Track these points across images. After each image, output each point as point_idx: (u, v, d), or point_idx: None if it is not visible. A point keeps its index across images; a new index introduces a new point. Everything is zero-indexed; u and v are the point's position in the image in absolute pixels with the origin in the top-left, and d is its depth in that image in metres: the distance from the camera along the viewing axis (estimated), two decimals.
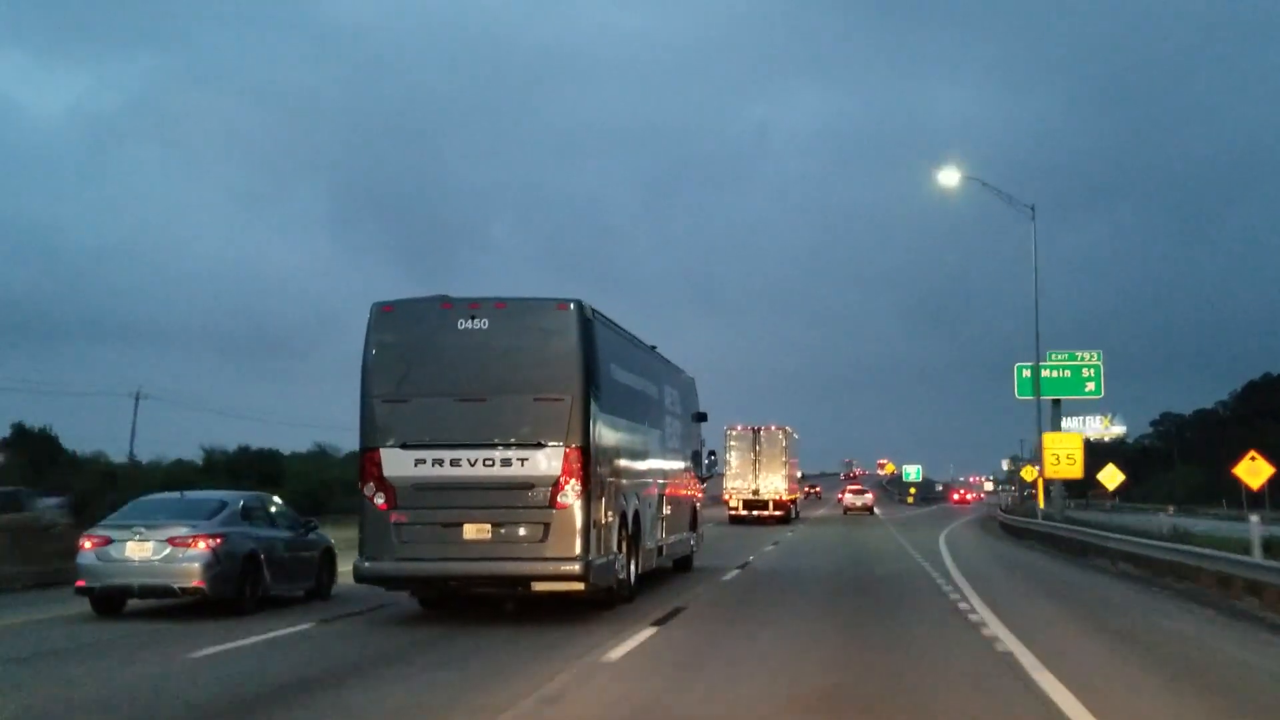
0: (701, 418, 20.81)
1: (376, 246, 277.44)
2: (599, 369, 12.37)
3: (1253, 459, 26.98)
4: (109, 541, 12.48)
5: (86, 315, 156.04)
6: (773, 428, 43.28)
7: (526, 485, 11.65)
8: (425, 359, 12.15)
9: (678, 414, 18.22)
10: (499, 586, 12.37)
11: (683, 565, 18.81)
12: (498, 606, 13.11)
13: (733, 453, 42.18)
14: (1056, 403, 34.21)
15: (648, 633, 10.85)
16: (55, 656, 9.99)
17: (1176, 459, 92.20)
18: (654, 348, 17.05)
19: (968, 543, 32.04)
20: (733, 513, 42.35)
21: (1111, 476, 36.02)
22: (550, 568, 11.63)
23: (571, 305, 12.08)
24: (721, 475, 41.00)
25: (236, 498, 13.95)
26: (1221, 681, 8.87)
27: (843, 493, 73.52)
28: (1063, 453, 32.04)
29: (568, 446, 11.66)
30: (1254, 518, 15.42)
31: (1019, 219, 30.77)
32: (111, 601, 12.75)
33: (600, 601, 12.64)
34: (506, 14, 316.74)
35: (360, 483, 12.00)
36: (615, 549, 12.81)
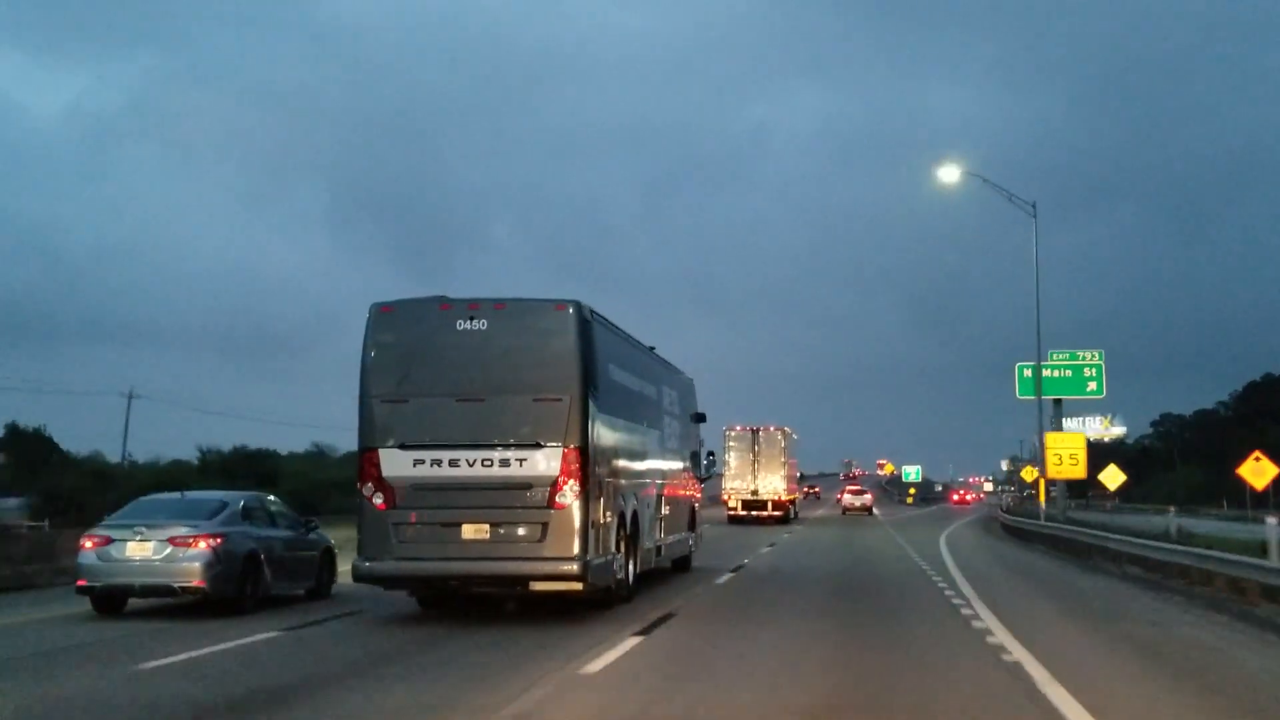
0: (700, 418, 20.91)
1: (376, 246, 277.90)
2: (597, 369, 12.45)
3: (1257, 459, 26.95)
4: (110, 541, 12.61)
5: (85, 315, 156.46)
6: (771, 428, 43.41)
7: (525, 485, 11.74)
8: (424, 359, 12.24)
9: (676, 414, 18.31)
10: (497, 586, 12.46)
11: (681, 565, 18.90)
12: (494, 606, 13.21)
13: (731, 453, 42.31)
14: (1058, 402, 33.97)
15: (633, 641, 10.41)
16: (56, 655, 10.08)
17: (1177, 460, 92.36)
18: (652, 348, 17.16)
19: (969, 544, 31.52)
20: (731, 513, 42.46)
21: (1113, 477, 35.82)
22: (548, 568, 11.72)
23: (570, 306, 12.17)
24: (720, 476, 41.12)
25: (237, 498, 14.08)
26: (1251, 699, 8.25)
27: (841, 493, 73.74)
28: (1065, 453, 31.77)
29: (566, 447, 11.75)
30: (1271, 519, 14.70)
31: (1019, 218, 30.85)
32: (112, 601, 12.88)
33: (598, 601, 12.73)
34: (506, 13, 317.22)
35: (359, 483, 12.09)
36: (613, 549, 12.90)
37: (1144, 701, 7.99)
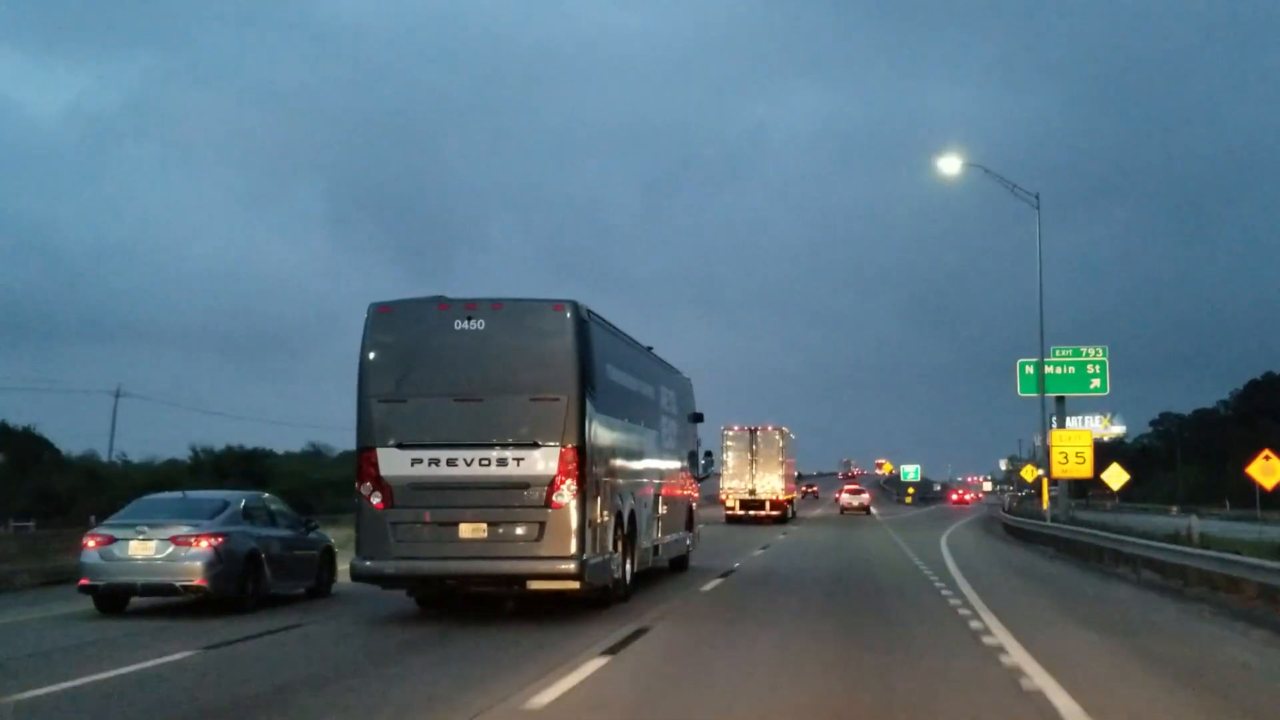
0: (698, 418, 21.10)
1: (375, 246, 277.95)
2: (595, 369, 12.63)
3: (1267, 458, 26.57)
4: (112, 540, 12.84)
5: (84, 315, 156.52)
6: (769, 428, 43.64)
7: (522, 485, 11.91)
8: (422, 359, 12.42)
9: (674, 414, 18.50)
10: (495, 585, 12.64)
11: (679, 565, 19.09)
12: (488, 605, 13.36)
13: (729, 453, 42.56)
14: (1060, 400, 33.29)
15: (597, 664, 9.19)
16: (59, 654, 10.26)
17: (1179, 459, 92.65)
18: (650, 348, 17.35)
19: (972, 547, 30.53)
20: (729, 513, 42.69)
21: (1116, 476, 35.19)
22: (546, 567, 11.89)
23: (567, 306, 12.34)
24: (718, 475, 41.34)
25: (238, 497, 14.32)
26: None
27: (840, 493, 74.17)
28: (1071, 451, 31.10)
29: (563, 446, 11.92)
30: None
31: (1019, 216, 31.29)
32: (115, 599, 13.09)
33: (595, 600, 12.91)
34: (506, 13, 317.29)
35: (357, 482, 12.27)
36: (611, 548, 13.08)
37: None
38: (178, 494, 15.00)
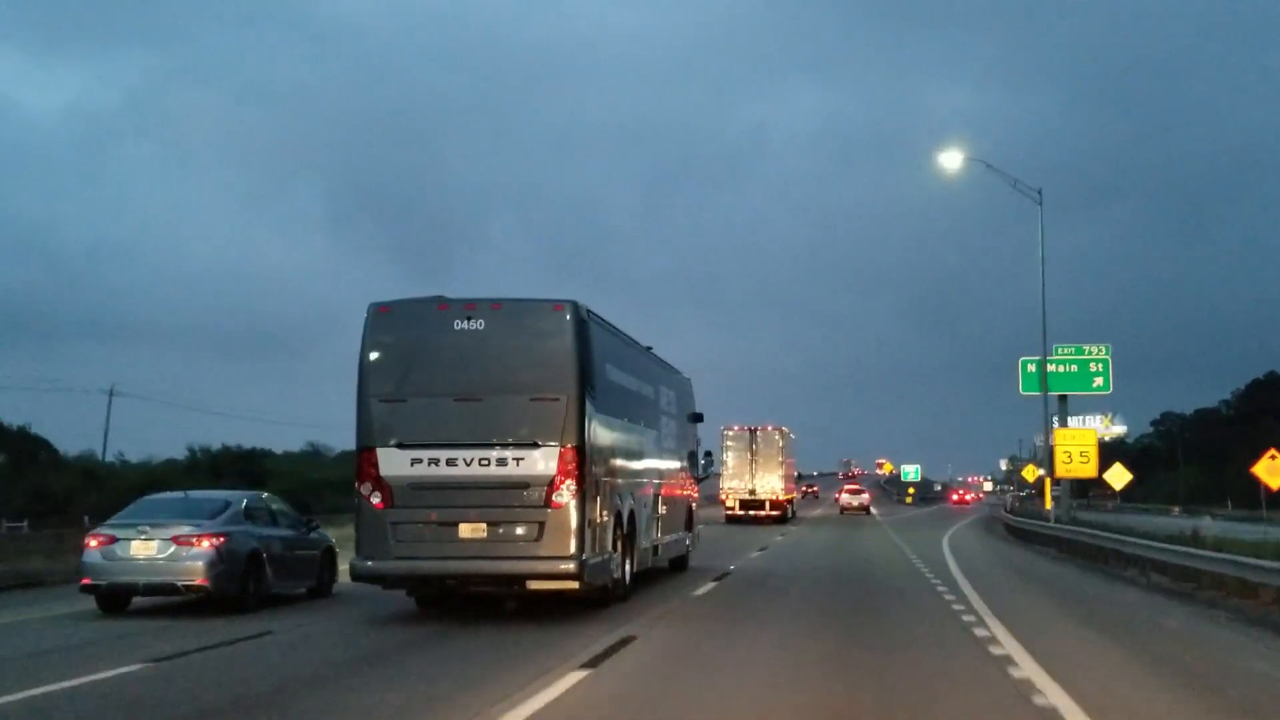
0: (697, 418, 21.19)
1: (375, 246, 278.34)
2: (594, 369, 12.72)
3: (1273, 457, 26.15)
4: (114, 540, 12.97)
5: (83, 314, 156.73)
6: (769, 428, 43.77)
7: (522, 485, 12.00)
8: (422, 359, 12.51)
9: (673, 414, 18.59)
10: (495, 585, 12.73)
11: (678, 565, 19.18)
12: (486, 605, 13.44)
13: (729, 453, 42.69)
14: (1063, 399, 32.81)
15: (575, 678, 8.56)
16: (61, 652, 10.37)
17: (1180, 459, 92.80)
18: (650, 348, 17.44)
19: (975, 549, 29.87)
20: (729, 512, 42.83)
21: (1119, 476, 34.92)
22: (545, 567, 11.98)
23: (567, 306, 12.43)
24: (718, 475, 41.45)
25: (240, 497, 14.44)
26: None
27: (840, 493, 74.50)
28: (1076, 450, 30.57)
29: (563, 446, 12.01)
30: None
31: (1020, 214, 31.58)
32: (117, 599, 13.23)
33: (595, 600, 12.99)
34: (505, 13, 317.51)
35: (357, 482, 12.36)
36: (610, 548, 13.17)
37: None
38: (179, 494, 15.13)
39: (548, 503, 11.95)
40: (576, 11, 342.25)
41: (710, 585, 16.78)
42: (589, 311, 12.90)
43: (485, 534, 11.96)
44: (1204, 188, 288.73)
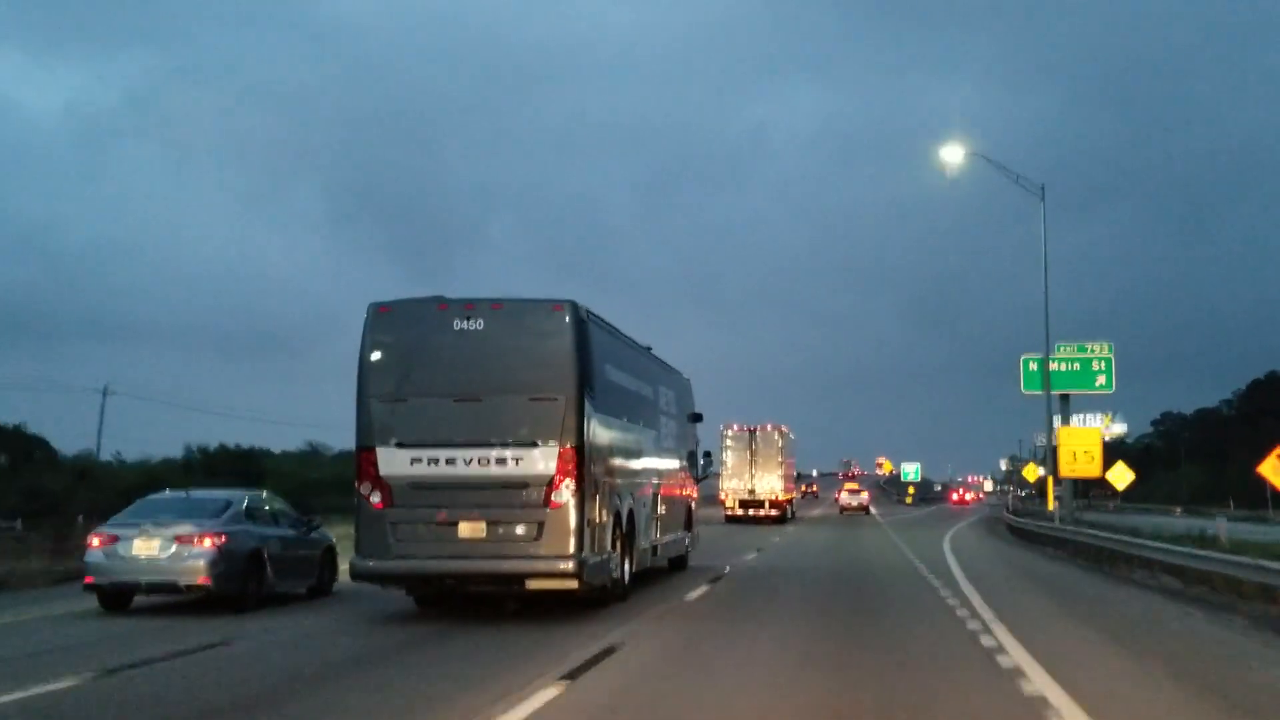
0: (697, 418, 21.30)
1: (374, 246, 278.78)
2: (593, 369, 12.82)
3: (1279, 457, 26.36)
4: (117, 539, 13.13)
5: (83, 313, 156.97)
6: (769, 428, 43.92)
7: (521, 484, 12.10)
8: (421, 359, 12.61)
9: (673, 414, 18.69)
10: (494, 585, 12.83)
11: (678, 565, 19.29)
12: (484, 605, 13.53)
13: (729, 453, 42.86)
14: (1065, 397, 32.42)
15: (551, 693, 8.07)
16: (63, 651, 10.47)
17: (1182, 458, 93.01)
18: (649, 348, 17.54)
19: (977, 550, 29.30)
20: (729, 512, 42.98)
21: (1121, 476, 34.51)
22: (544, 566, 12.09)
23: (566, 306, 12.54)
24: (717, 475, 41.59)
25: (241, 497, 14.57)
26: None
27: (839, 492, 74.90)
28: (1080, 449, 30.13)
29: (562, 446, 12.11)
30: None
31: (1021, 213, 31.37)
32: (119, 597, 13.38)
33: (595, 600, 13.10)
34: (505, 12, 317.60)
35: (357, 481, 12.46)
36: (610, 548, 13.27)
37: None
38: (181, 493, 15.28)
39: (547, 502, 12.05)
40: (576, 11, 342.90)
41: (702, 589, 16.04)
42: (588, 312, 13.00)
43: (484, 533, 12.06)
44: (1204, 188, 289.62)
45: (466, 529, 12.08)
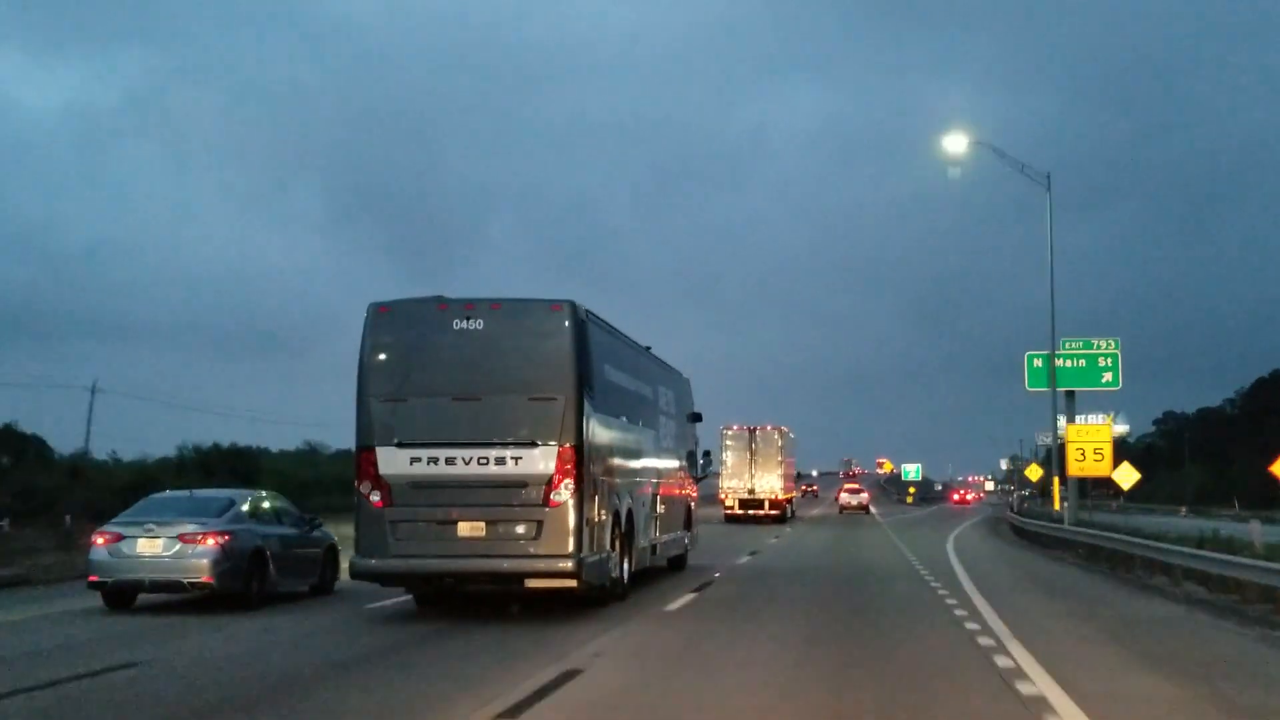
0: (696, 418, 21.49)
1: (374, 245, 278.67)
2: (592, 369, 12.99)
3: None
4: (121, 538, 13.38)
5: (82, 313, 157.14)
6: (768, 427, 44.16)
7: (521, 484, 12.28)
8: (421, 359, 12.79)
9: (672, 414, 18.87)
10: (493, 583, 13.03)
11: (677, 564, 19.47)
12: (486, 603, 13.72)
13: (729, 452, 43.09)
14: (1070, 395, 31.86)
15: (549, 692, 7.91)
16: (65, 650, 10.65)
17: (1186, 458, 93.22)
18: (648, 348, 17.73)
19: (982, 553, 28.18)
20: (729, 512, 43.20)
21: (1127, 475, 33.56)
22: (543, 565, 12.27)
23: (565, 306, 12.72)
24: (717, 475, 41.80)
25: (244, 496, 14.87)
26: None
27: (839, 492, 75.38)
28: (1089, 447, 29.36)
29: (561, 445, 12.29)
30: None
31: (1023, 211, 31.46)
32: (123, 596, 13.61)
33: (594, 599, 13.28)
34: (505, 11, 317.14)
35: (357, 481, 12.64)
36: (609, 547, 13.45)
37: None
38: (184, 492, 15.60)
39: (546, 502, 12.22)
40: (576, 11, 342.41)
41: (689, 597, 15.06)
42: (587, 311, 13.17)
43: (484, 533, 12.23)
44: (1205, 187, 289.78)
45: (466, 528, 12.25)
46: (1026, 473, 64.29)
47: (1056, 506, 34.98)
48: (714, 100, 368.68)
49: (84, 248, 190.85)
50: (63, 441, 58.32)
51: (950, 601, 14.79)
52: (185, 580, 13.20)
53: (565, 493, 12.21)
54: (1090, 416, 56.63)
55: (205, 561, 13.13)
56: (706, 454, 23.18)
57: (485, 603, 13.75)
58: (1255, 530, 19.41)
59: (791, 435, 47.56)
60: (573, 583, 12.45)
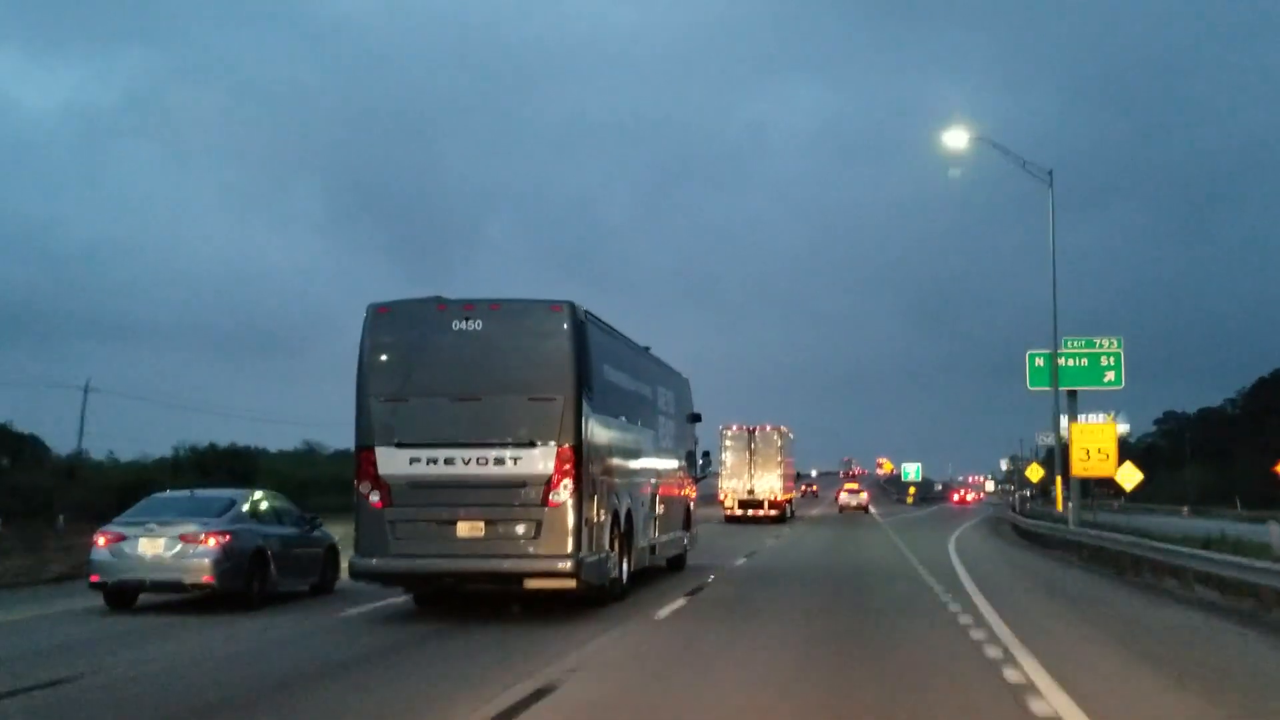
0: (696, 418, 21.58)
1: (374, 245, 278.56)
2: (591, 369, 13.08)
3: None
4: (123, 538, 13.49)
5: (82, 312, 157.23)
6: (768, 428, 44.27)
7: (520, 484, 12.37)
8: (421, 359, 12.87)
9: (671, 414, 18.95)
10: (492, 583, 13.11)
11: (676, 564, 19.56)
12: (486, 603, 13.80)
13: (728, 453, 43.20)
14: (1073, 394, 31.57)
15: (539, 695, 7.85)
16: (66, 649, 10.74)
17: (1188, 458, 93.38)
18: (648, 349, 17.81)
19: (985, 556, 27.31)
20: (728, 512, 43.30)
21: (1130, 475, 33.10)
22: (543, 565, 12.36)
23: (564, 306, 12.80)
24: (717, 475, 41.90)
25: (245, 496, 14.96)
26: None
27: (839, 492, 75.73)
28: (1094, 447, 29.23)
29: (560, 446, 12.37)
30: None
31: (1023, 209, 31.38)
32: (124, 595, 13.73)
33: (592, 599, 13.36)
34: (505, 11, 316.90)
35: (357, 481, 12.72)
36: (608, 547, 13.54)
37: None
38: (185, 492, 15.70)
39: (545, 502, 12.30)
40: (576, 11, 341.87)
41: (679, 603, 14.40)
42: (586, 312, 13.25)
43: (483, 532, 12.31)
44: (1205, 187, 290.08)
45: (465, 528, 12.33)
46: (1027, 473, 64.37)
47: (1059, 507, 34.76)
48: (714, 100, 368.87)
49: (84, 248, 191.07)
50: (61, 442, 58.40)
51: (953, 606, 14.04)
52: (186, 580, 13.32)
53: (564, 493, 12.29)
54: (1091, 416, 56.75)
55: (206, 561, 13.25)
56: (706, 454, 23.27)
57: (485, 602, 13.83)
58: (1276, 533, 18.70)
59: (791, 435, 47.67)
60: (572, 583, 12.53)
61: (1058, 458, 34.77)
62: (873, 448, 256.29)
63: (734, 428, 43.97)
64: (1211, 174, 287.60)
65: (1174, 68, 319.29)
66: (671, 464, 18.92)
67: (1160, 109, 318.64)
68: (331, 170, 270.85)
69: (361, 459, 12.65)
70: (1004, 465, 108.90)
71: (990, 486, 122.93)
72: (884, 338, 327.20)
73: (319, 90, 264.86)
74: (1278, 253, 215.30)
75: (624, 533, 14.52)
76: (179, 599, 13.99)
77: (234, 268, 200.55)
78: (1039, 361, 31.73)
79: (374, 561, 12.53)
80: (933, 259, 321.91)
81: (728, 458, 43.23)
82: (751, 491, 43.30)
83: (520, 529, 12.32)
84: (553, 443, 12.38)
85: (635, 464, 15.76)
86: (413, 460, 12.48)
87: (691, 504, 20.99)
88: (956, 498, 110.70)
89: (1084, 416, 36.01)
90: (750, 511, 43.01)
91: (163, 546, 13.35)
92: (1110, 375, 31.24)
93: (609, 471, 13.85)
